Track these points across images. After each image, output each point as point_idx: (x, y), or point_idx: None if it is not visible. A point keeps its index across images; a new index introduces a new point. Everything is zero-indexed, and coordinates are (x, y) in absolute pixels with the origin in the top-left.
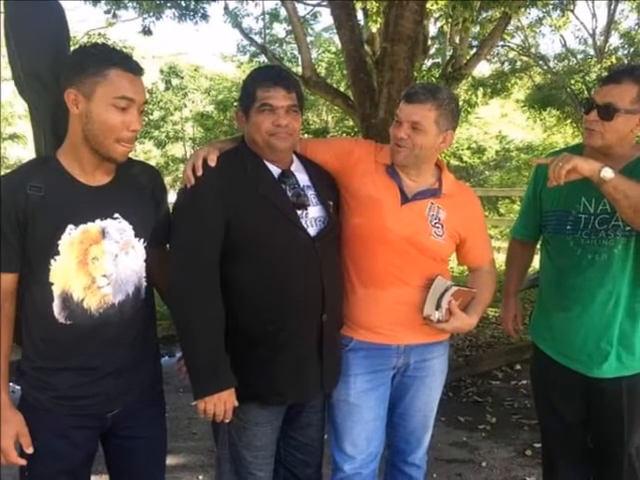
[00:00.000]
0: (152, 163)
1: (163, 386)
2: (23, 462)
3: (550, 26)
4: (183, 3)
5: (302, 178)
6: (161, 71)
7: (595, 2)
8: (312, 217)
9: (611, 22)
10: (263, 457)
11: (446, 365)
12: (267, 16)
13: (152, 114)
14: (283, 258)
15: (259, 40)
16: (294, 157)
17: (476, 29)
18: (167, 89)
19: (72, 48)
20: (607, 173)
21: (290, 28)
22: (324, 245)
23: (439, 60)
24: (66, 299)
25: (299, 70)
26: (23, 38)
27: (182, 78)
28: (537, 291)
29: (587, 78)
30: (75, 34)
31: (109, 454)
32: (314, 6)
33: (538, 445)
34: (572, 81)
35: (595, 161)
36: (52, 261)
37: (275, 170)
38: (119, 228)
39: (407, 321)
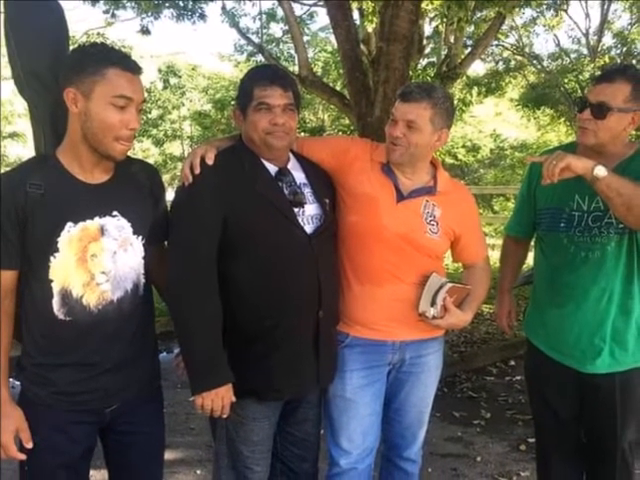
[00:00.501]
0: (150, 161)
1: (161, 382)
2: (23, 457)
3: (544, 26)
4: (181, 3)
5: (299, 176)
6: (159, 70)
7: (588, 2)
8: (309, 215)
9: (604, 22)
10: (260, 452)
11: (441, 361)
12: (264, 16)
13: (150, 113)
14: (280, 255)
15: (256, 40)
16: (291, 155)
17: (471, 29)
18: (165, 88)
19: (71, 47)
20: (600, 171)
21: (287, 28)
22: (320, 242)
23: (434, 59)
24: (65, 296)
25: (296, 69)
26: (23, 38)
27: (180, 77)
28: (531, 288)
29: (580, 77)
30: (74, 34)
31: (108, 449)
32: (310, 6)
33: (532, 440)
34: (565, 80)
35: (588, 159)
36: (52, 258)
37: (272, 168)
38: (118, 225)
39: (402, 317)
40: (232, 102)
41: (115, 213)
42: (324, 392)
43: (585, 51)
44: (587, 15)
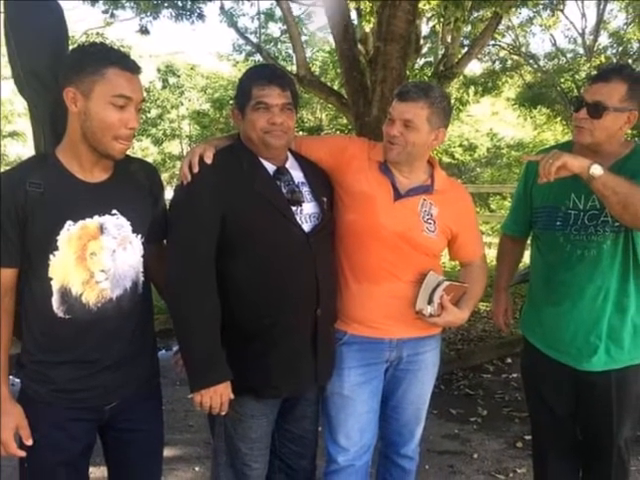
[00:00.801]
0: (149, 160)
1: (160, 379)
2: (22, 454)
3: (540, 25)
4: (180, 3)
5: (297, 175)
6: (158, 70)
7: (584, 2)
8: (306, 213)
9: (600, 22)
10: (258, 449)
11: (438, 358)
12: (262, 16)
13: (149, 112)
14: (278, 254)
15: (254, 39)
16: (289, 154)
17: (467, 28)
18: (164, 87)
19: (71, 47)
20: (596, 170)
21: (285, 27)
22: (318, 241)
23: (431, 59)
24: (65, 294)
25: (294, 69)
26: (23, 37)
27: (179, 77)
28: (527, 286)
29: (577, 77)
30: (73, 33)
31: (107, 446)
32: (309, 6)
33: (529, 437)
34: (562, 80)
35: (584, 158)
36: (51, 256)
37: (270, 167)
38: (117, 224)
39: (400, 315)
40: (230, 101)
41: (114, 212)
42: (322, 390)
43: (581, 51)
44: (583, 15)
